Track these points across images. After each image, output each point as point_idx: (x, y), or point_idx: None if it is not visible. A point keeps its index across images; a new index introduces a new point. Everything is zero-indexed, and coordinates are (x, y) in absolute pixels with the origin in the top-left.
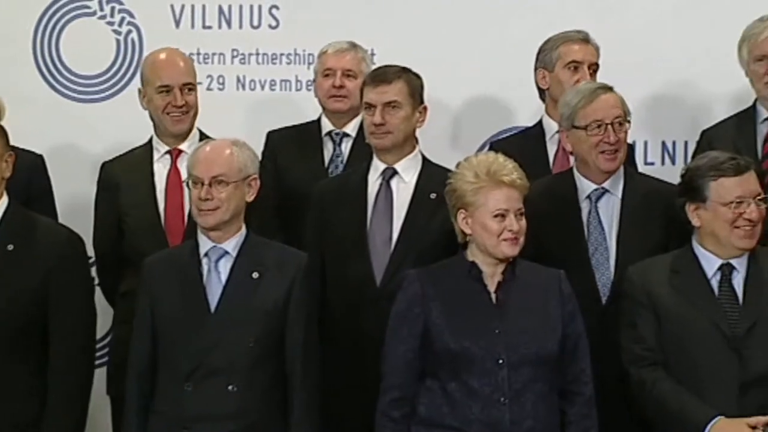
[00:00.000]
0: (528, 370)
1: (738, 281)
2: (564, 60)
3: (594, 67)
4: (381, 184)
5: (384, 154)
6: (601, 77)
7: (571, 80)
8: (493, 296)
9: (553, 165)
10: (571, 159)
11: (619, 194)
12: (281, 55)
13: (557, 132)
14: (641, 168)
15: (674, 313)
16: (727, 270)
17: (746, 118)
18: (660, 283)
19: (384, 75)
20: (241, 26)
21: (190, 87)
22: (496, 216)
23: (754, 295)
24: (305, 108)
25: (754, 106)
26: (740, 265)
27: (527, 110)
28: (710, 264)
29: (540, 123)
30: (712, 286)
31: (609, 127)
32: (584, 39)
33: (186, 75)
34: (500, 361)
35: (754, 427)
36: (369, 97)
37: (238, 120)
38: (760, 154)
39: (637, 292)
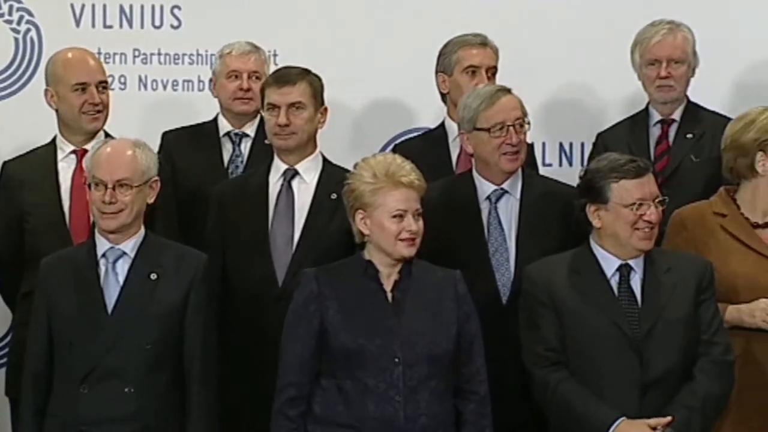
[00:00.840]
0: (423, 368)
1: (636, 282)
2: (462, 64)
3: (492, 71)
4: (282, 185)
5: (286, 154)
6: (500, 79)
7: (469, 84)
8: (389, 295)
9: (456, 167)
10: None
11: (518, 195)
12: (183, 55)
13: (460, 134)
14: (540, 169)
15: (575, 313)
16: (625, 271)
17: (639, 120)
18: (561, 283)
19: (288, 76)
20: (142, 26)
21: (105, 85)
22: (394, 216)
23: (652, 296)
24: (206, 108)
25: (646, 108)
26: (637, 266)
27: (429, 112)
28: (609, 264)
29: (443, 125)
30: (612, 287)
31: (510, 128)
32: (482, 43)
33: (101, 73)
34: (396, 359)
35: (654, 428)
36: (273, 98)
37: (140, 120)
38: (652, 156)
39: (539, 291)
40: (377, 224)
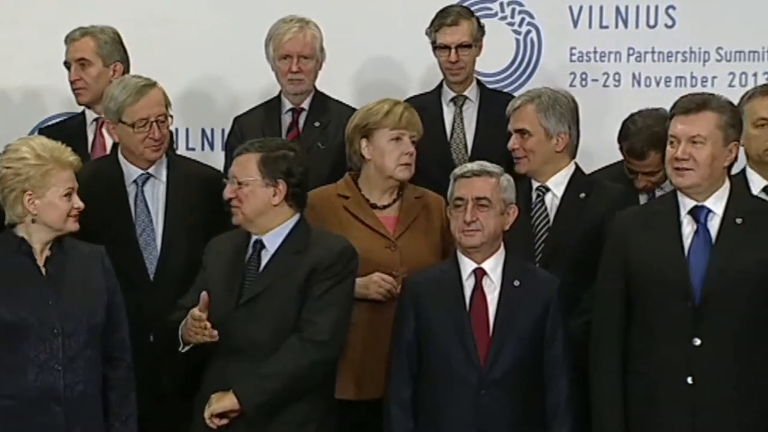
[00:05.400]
0: (81, 338)
1: (266, 257)
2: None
3: (82, 62)
4: None
5: None
6: (147, 72)
7: (71, 78)
8: (43, 270)
9: (92, 150)
10: (108, 144)
11: (164, 178)
12: None
13: (94, 120)
14: (184, 153)
15: (213, 283)
16: (258, 246)
17: (272, 108)
18: (216, 255)
19: None
20: None
21: None
22: (65, 195)
23: (270, 271)
24: None
25: (279, 97)
26: (272, 244)
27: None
28: (251, 239)
29: (84, 112)
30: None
31: (154, 124)
32: (74, 37)
33: None
34: (55, 331)
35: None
36: None
37: None
38: None
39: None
40: (48, 204)
